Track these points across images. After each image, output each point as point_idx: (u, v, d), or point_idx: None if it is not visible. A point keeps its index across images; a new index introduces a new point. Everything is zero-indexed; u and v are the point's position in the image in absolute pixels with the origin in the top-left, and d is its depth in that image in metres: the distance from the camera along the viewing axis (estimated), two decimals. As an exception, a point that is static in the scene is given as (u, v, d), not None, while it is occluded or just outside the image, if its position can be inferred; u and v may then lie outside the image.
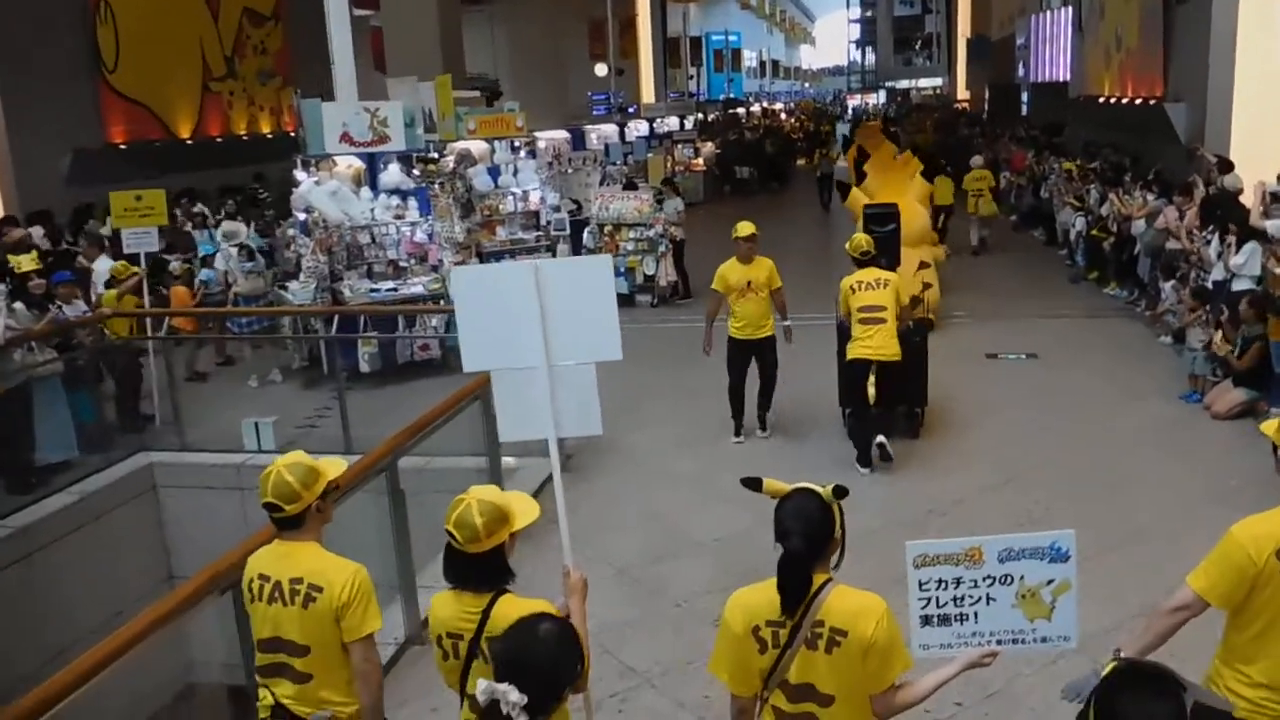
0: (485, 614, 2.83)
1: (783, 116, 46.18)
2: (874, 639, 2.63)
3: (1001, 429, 8.29)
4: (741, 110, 40.76)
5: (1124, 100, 17.08)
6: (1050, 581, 2.79)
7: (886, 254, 8.40)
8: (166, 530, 8.67)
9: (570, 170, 17.53)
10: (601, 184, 17.05)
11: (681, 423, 8.82)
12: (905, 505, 6.82)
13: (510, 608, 2.78)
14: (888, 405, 7.44)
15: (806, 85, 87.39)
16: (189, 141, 19.40)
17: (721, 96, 48.87)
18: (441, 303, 10.75)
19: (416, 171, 11.37)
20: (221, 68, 20.67)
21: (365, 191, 10.75)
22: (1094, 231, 13.44)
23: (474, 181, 13.29)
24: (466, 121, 13.50)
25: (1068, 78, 23.47)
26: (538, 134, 17.98)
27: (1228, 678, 2.95)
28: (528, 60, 30.90)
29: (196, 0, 19.94)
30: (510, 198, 13.90)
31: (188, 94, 19.74)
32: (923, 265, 10.69)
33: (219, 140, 20.41)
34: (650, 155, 22.10)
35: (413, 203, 10.80)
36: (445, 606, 2.93)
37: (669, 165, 24.51)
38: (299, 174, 11.11)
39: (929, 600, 2.83)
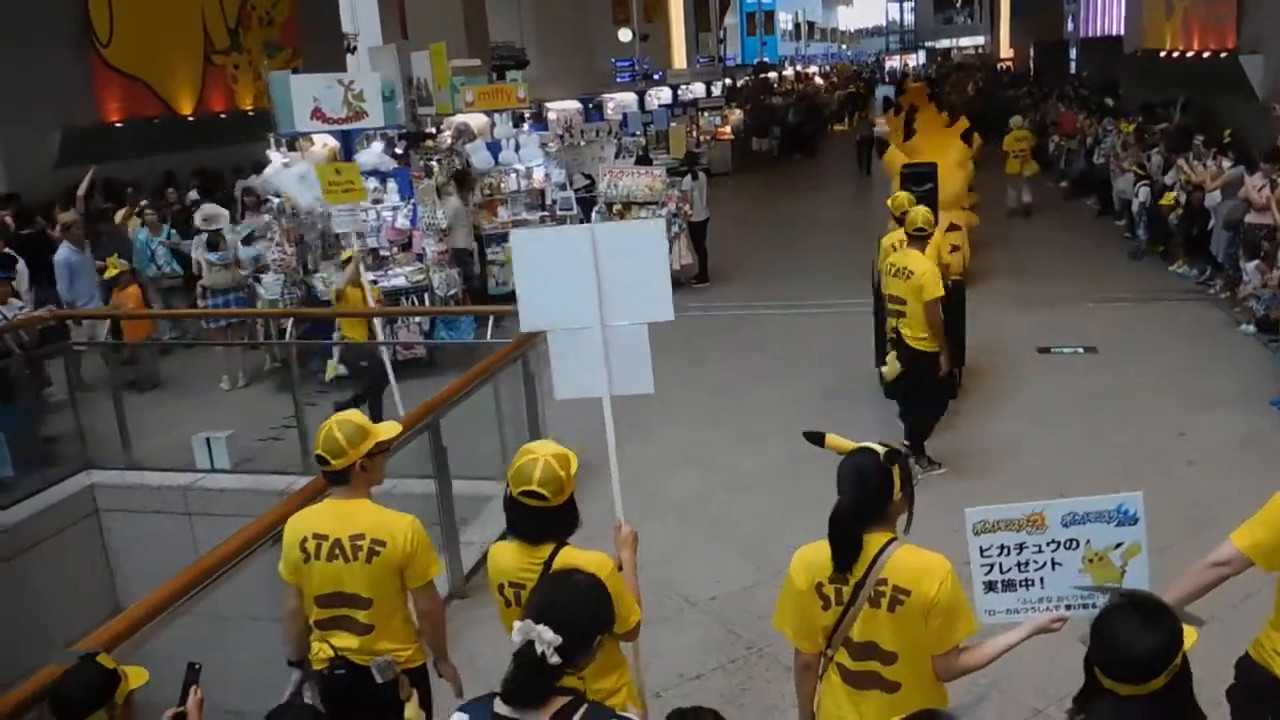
0: (547, 564, 2.89)
1: (818, 80, 44.30)
2: (936, 599, 2.63)
3: (1054, 443, 7.08)
4: (773, 75, 38.97)
5: (1189, 54, 15.50)
6: (1119, 545, 2.72)
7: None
8: (113, 558, 7.79)
9: (583, 143, 16.38)
10: (617, 157, 15.95)
11: (699, 424, 7.79)
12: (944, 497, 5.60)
13: (571, 558, 2.89)
14: (910, 397, 6.66)
15: (844, 47, 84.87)
16: (190, 118, 18.47)
17: (755, 60, 47.15)
18: (426, 298, 9.76)
19: (399, 149, 10.28)
20: (224, 39, 19.65)
21: (340, 173, 9.69)
22: (1161, 202, 12.05)
23: (472, 158, 12.22)
24: (463, 93, 12.37)
25: (1122, 31, 21.77)
26: (549, 104, 16.82)
27: (1277, 641, 2.87)
28: (553, 27, 29.57)
29: (196, -32, 18.93)
30: (513, 175, 12.81)
31: (188, 68, 18.74)
32: (953, 227, 10.01)
33: (223, 116, 19.45)
34: (673, 125, 20.85)
35: (393, 185, 9.74)
36: (508, 557, 2.99)
37: (695, 135, 23.33)
38: (272, 154, 10.09)
39: (991, 566, 2.79)
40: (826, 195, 20.66)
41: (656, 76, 27.38)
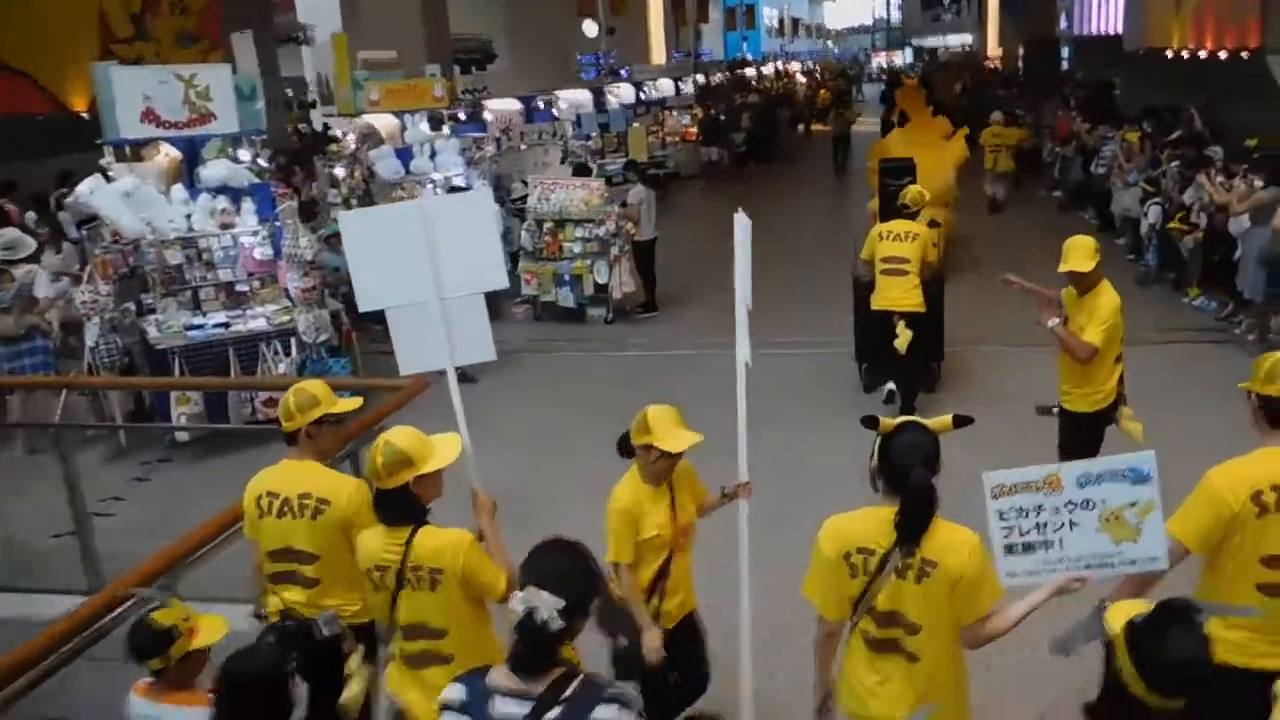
0: (407, 545, 3.04)
1: (799, 78, 42.54)
2: (963, 572, 2.70)
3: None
4: (751, 71, 37.19)
5: (1201, 53, 13.81)
6: (1134, 504, 2.77)
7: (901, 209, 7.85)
8: None
9: (524, 147, 14.60)
10: (563, 163, 14.20)
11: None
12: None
13: (428, 537, 3.06)
14: (907, 359, 7.26)
15: (830, 44, 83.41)
16: (85, 116, 16.57)
17: (737, 56, 45.39)
18: (293, 343, 7.96)
19: (263, 161, 8.47)
20: (127, 28, 17.69)
21: (178, 191, 7.87)
22: (1171, 224, 10.36)
23: (376, 167, 10.43)
24: (367, 90, 10.54)
25: (1120, 29, 20.12)
26: (487, 103, 15.03)
27: (1216, 627, 2.72)
28: (526, 19, 27.66)
29: (91, -53, 16.98)
30: (428, 187, 11.02)
31: (83, 61, 16.84)
32: (933, 224, 9.30)
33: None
34: (634, 126, 19.07)
35: (248, 205, 7.93)
36: (373, 540, 3.13)
37: (660, 136, 21.57)
38: (112, 167, 8.25)
39: (1011, 529, 2.84)
40: (803, 199, 18.89)
41: (624, 73, 25.52)
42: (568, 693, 2.23)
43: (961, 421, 2.84)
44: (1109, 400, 5.16)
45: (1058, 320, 5.04)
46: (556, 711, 2.21)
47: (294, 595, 3.47)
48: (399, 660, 3.22)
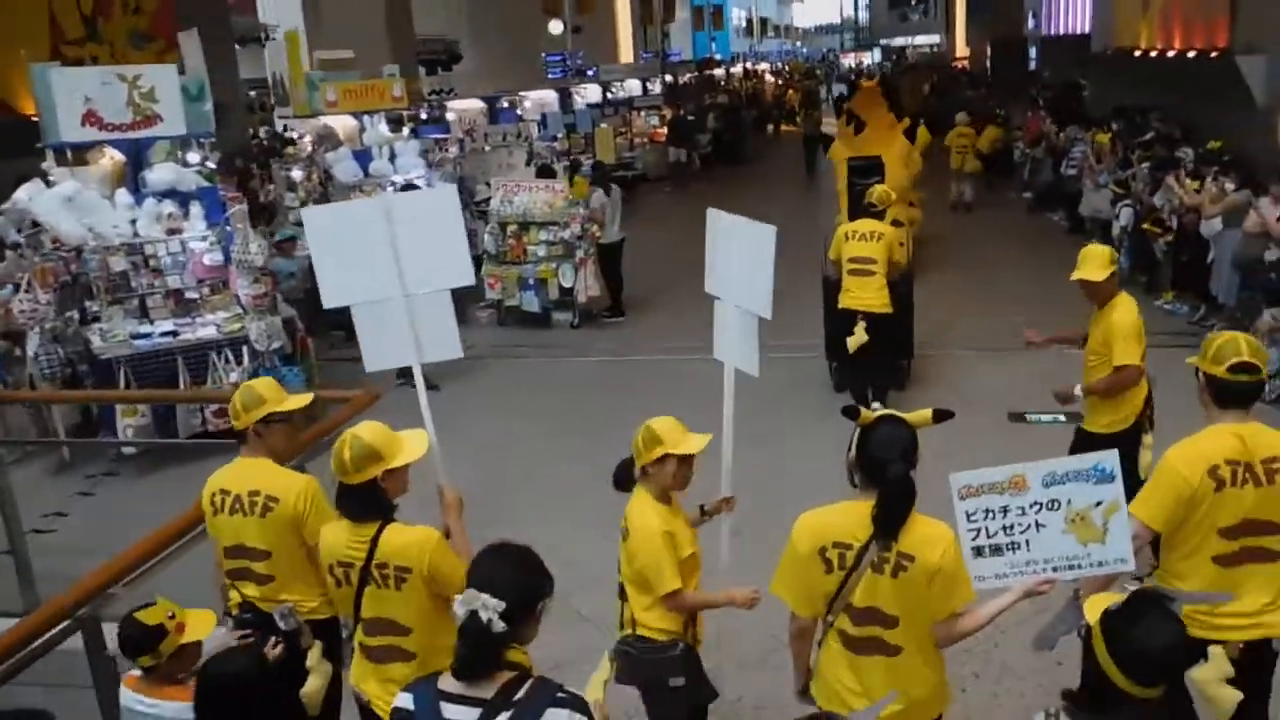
0: (373, 542, 2.99)
1: (768, 78, 42.46)
2: (940, 566, 2.68)
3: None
4: (720, 72, 37.02)
5: (1169, 53, 13.78)
6: (1099, 503, 2.76)
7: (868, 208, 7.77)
8: None
9: (487, 148, 14.31)
10: (528, 164, 13.94)
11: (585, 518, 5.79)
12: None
13: (395, 535, 3.00)
14: (876, 358, 7.25)
15: (799, 44, 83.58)
16: (36, 119, 16.06)
17: (706, 56, 45.21)
18: (245, 351, 7.65)
19: (211, 164, 8.14)
20: (78, 29, 17.09)
21: (123, 195, 7.53)
22: (1145, 225, 10.28)
23: (333, 169, 10.11)
24: (324, 91, 10.21)
25: (1088, 29, 20.13)
26: (450, 104, 14.72)
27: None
28: (491, 18, 27.24)
29: (38, -57, 16.41)
30: (387, 190, 10.70)
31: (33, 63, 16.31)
32: (896, 224, 9.20)
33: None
34: (601, 126, 18.81)
35: (196, 210, 7.60)
36: (336, 536, 3.08)
37: (629, 137, 21.34)
38: (52, 171, 7.89)
39: (978, 531, 2.83)
40: (773, 200, 18.73)
41: (590, 72, 25.25)
42: (519, 695, 2.19)
43: (941, 416, 2.83)
44: (1128, 423, 4.75)
45: (1079, 388, 4.78)
46: (506, 715, 2.17)
47: (250, 591, 3.50)
48: (360, 653, 3.18)
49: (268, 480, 3.44)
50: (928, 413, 2.85)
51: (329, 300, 3.85)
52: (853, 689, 2.82)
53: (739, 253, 3.74)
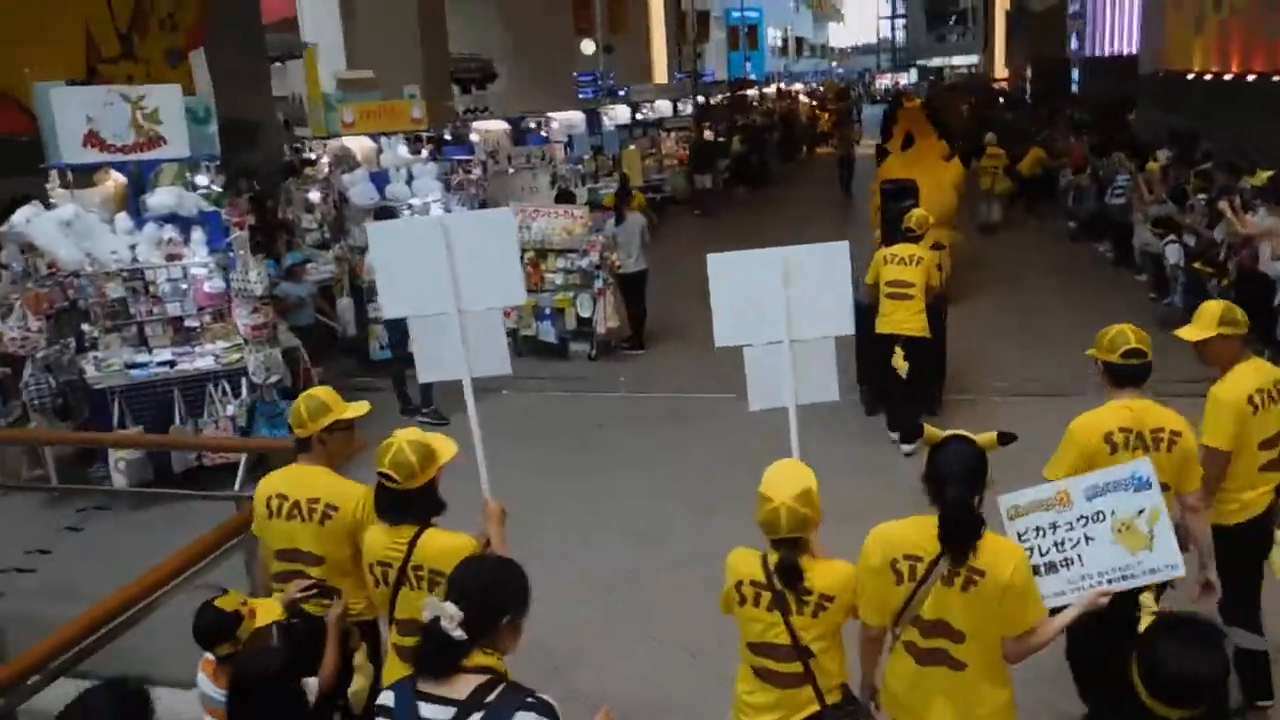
0: (412, 544, 3.09)
1: (803, 98, 42.02)
2: (1011, 581, 2.71)
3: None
4: (753, 92, 36.63)
5: (1225, 76, 13.16)
6: (1141, 511, 2.85)
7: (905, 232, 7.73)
8: None
9: (511, 170, 13.97)
10: (552, 187, 13.57)
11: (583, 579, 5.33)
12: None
13: (434, 538, 3.10)
14: (912, 382, 7.12)
15: (835, 64, 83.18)
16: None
17: (740, 77, 44.93)
18: (243, 384, 7.31)
19: (217, 186, 7.83)
20: (115, 47, 17.06)
21: (123, 220, 7.24)
22: (1197, 264, 9.64)
23: (349, 192, 9.79)
24: (341, 112, 9.92)
25: (1135, 50, 19.49)
26: (476, 125, 14.42)
27: None
28: (524, 37, 27.07)
29: (79, -38, 16.39)
30: (405, 213, 10.36)
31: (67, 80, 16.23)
32: (937, 246, 9.29)
33: (114, 134, 16.94)
34: (630, 148, 18.46)
35: (198, 235, 7.28)
36: (377, 538, 3.17)
37: (658, 159, 20.95)
38: (53, 193, 7.62)
39: (1032, 550, 2.90)
40: (808, 224, 18.24)
41: (621, 92, 24.95)
42: (490, 698, 2.28)
43: (1006, 439, 2.87)
44: (1248, 514, 3.91)
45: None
46: (479, 716, 2.26)
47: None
48: (394, 653, 3.24)
49: (327, 489, 3.50)
50: (993, 435, 2.87)
51: (389, 311, 4.19)
52: (920, 702, 2.86)
53: (815, 282, 3.84)
